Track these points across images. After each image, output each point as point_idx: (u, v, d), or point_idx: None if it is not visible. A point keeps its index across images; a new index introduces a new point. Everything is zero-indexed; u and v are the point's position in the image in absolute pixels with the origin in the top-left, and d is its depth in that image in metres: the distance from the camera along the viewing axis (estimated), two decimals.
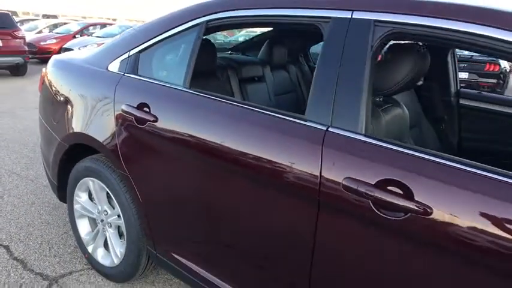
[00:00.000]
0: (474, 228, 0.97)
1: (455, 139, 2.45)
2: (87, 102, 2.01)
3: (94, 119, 1.95)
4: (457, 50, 10.74)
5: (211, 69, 2.24)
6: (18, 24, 14.46)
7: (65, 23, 14.42)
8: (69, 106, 2.10)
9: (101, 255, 2.16)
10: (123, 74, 1.91)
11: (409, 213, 1.05)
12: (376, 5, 1.28)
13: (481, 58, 10.36)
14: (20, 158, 3.85)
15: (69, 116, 2.10)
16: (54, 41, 11.57)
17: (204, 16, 1.71)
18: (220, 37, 12.41)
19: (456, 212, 1.00)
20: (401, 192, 1.07)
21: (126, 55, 1.96)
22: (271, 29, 2.99)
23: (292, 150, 1.28)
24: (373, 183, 1.10)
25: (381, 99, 1.67)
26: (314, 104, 1.30)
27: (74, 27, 13.01)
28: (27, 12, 31.49)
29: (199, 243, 1.69)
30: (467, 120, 2.46)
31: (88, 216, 2.23)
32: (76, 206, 2.24)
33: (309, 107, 1.31)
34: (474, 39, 1.11)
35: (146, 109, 1.72)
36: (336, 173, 1.17)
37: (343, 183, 1.15)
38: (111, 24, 14.09)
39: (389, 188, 1.09)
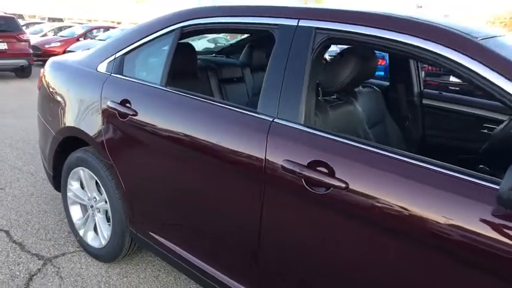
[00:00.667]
0: (381, 200, 1.19)
1: (419, 136, 2.66)
2: (78, 99, 2.24)
3: (84, 114, 2.18)
4: None
5: (191, 70, 2.46)
6: (24, 27, 14.81)
7: (69, 26, 14.77)
8: (63, 103, 2.34)
9: (90, 238, 2.39)
10: (110, 74, 2.14)
11: (331, 188, 1.27)
12: (317, 15, 1.50)
13: None
14: (22, 154, 4.10)
15: (63, 111, 2.34)
16: (59, 43, 11.88)
17: (179, 23, 1.94)
18: (222, 40, 12.65)
19: (368, 186, 1.21)
20: (326, 171, 1.29)
21: (113, 57, 2.19)
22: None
23: (245, 137, 1.50)
24: (305, 164, 1.32)
25: (334, 97, 1.89)
26: (264, 99, 1.52)
27: (78, 30, 13.33)
28: (34, 15, 31.94)
29: (172, 222, 1.91)
30: (430, 118, 2.67)
31: (79, 203, 2.46)
32: (69, 194, 2.47)
33: (260, 102, 1.54)
34: (393, 44, 1.33)
35: (128, 105, 1.95)
36: (277, 156, 1.39)
37: (282, 164, 1.37)
38: (114, 28, 14.41)
39: (317, 168, 1.30)
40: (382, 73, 12.06)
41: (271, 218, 1.45)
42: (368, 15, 1.39)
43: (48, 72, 2.59)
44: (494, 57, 1.16)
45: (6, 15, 9.47)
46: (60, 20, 27.41)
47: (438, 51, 1.23)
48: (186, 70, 2.36)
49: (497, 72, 1.14)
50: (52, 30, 14.74)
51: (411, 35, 1.30)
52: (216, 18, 1.84)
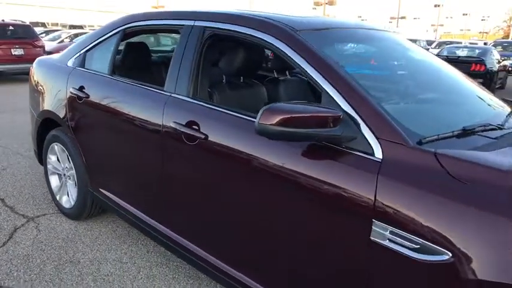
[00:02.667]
0: (229, 146, 1.68)
1: None
2: (52, 88, 2.82)
3: (55, 99, 2.76)
4: (446, 51, 11.19)
5: (144, 64, 3.00)
6: (44, 34, 15.82)
7: (86, 33, 15.65)
8: (42, 92, 2.92)
9: (64, 201, 2.97)
10: (75, 68, 2.71)
11: (198, 140, 1.78)
12: (205, 17, 2.02)
13: (467, 59, 10.73)
14: (25, 143, 4.74)
15: (42, 99, 2.92)
16: None
17: (122, 26, 2.49)
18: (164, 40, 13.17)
19: (220, 136, 1.72)
20: (196, 128, 1.80)
21: (78, 54, 2.76)
22: None
23: (153, 108, 2.03)
24: (184, 124, 1.84)
25: (242, 81, 2.40)
26: (168, 80, 2.05)
27: None
28: (56, 23, 33.47)
29: (115, 180, 2.45)
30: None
31: (56, 173, 3.03)
32: (49, 166, 3.05)
33: (166, 82, 2.06)
34: (246, 36, 1.81)
35: (84, 90, 2.50)
36: (169, 120, 1.91)
37: (171, 125, 1.89)
38: None
39: (191, 126, 1.82)
40: None
41: (167, 165, 1.97)
42: (230, 15, 1.89)
43: (34, 69, 3.19)
44: (302, 45, 1.63)
45: (24, 23, 10.32)
46: (81, 27, 28.69)
47: (269, 40, 1.71)
48: (139, 64, 2.90)
49: (301, 56, 1.61)
50: (69, 36, 15.66)
51: (252, 28, 1.78)
52: (148, 21, 2.38)
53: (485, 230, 1.09)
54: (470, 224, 1.11)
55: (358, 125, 1.38)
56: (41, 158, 3.18)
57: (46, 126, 2.99)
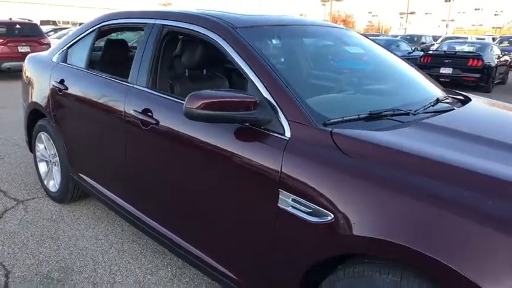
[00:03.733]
0: (174, 130, 1.91)
1: None
2: (39, 81, 3.08)
3: (41, 92, 3.02)
4: (446, 46, 11.30)
5: (122, 58, 3.24)
6: (52, 32, 16.22)
7: None
8: (31, 85, 3.19)
9: (51, 185, 3.23)
10: (58, 63, 2.96)
11: (151, 125, 2.01)
12: (164, 16, 2.24)
13: (464, 54, 10.78)
14: (24, 136, 5.03)
15: (31, 91, 3.19)
16: None
17: (98, 24, 2.73)
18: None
19: (171, 122, 1.94)
20: (150, 114, 2.03)
21: (61, 50, 3.01)
22: None
23: (116, 97, 2.26)
24: (140, 111, 2.07)
25: (204, 73, 2.62)
26: (131, 73, 2.28)
27: None
28: (67, 21, 34.07)
29: (91, 164, 2.70)
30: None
31: (44, 160, 3.30)
32: (37, 154, 3.32)
33: (130, 74, 2.29)
34: (188, 31, 2.04)
35: (64, 82, 2.75)
36: (129, 108, 2.15)
37: (132, 112, 2.12)
38: None
39: (147, 113, 2.05)
40: None
41: (129, 148, 2.21)
42: (182, 14, 2.12)
43: (25, 65, 3.45)
44: (237, 41, 1.85)
45: (30, 22, 10.68)
46: None
47: (212, 36, 1.93)
48: (118, 58, 3.14)
49: (235, 51, 1.82)
50: None
51: (199, 26, 2.00)
52: (120, 20, 2.61)
53: (360, 195, 1.29)
54: (348, 190, 1.31)
55: (275, 109, 1.59)
56: (31, 146, 3.45)
57: (34, 117, 3.26)
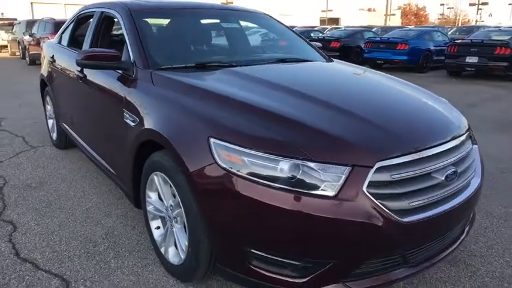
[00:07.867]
0: (90, 80, 2.85)
1: None
2: (45, 58, 4.23)
3: (45, 65, 4.16)
4: (472, 35, 11.34)
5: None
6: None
7: None
8: (44, 61, 4.36)
9: (54, 136, 4.38)
10: (56, 43, 4.08)
11: (82, 79, 2.98)
12: (100, 5, 3.19)
13: (491, 42, 10.51)
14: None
15: (43, 65, 4.36)
16: None
17: (77, 14, 3.78)
18: None
19: (89, 75, 2.89)
20: (83, 72, 3.00)
21: (59, 34, 4.13)
22: None
23: (73, 63, 3.26)
24: (79, 70, 3.05)
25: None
26: (83, 45, 3.26)
27: None
28: None
29: (64, 113, 3.74)
30: None
31: (51, 118, 4.46)
32: (47, 113, 4.49)
33: (83, 46, 3.28)
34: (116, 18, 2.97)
35: (53, 57, 3.84)
36: (75, 69, 3.13)
37: (75, 72, 3.11)
38: None
39: (82, 71, 3.02)
40: (405, 57, 12.52)
41: (75, 97, 3.21)
42: (108, 2, 3.04)
43: (43, 48, 4.65)
44: (127, 19, 2.72)
45: (47, 21, 12.65)
46: None
47: (114, 13, 2.83)
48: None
49: (125, 27, 2.70)
50: None
51: (113, 10, 2.90)
52: (87, 10, 3.62)
53: (155, 106, 2.12)
54: (151, 104, 2.14)
55: (133, 62, 2.45)
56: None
57: (44, 85, 4.43)
